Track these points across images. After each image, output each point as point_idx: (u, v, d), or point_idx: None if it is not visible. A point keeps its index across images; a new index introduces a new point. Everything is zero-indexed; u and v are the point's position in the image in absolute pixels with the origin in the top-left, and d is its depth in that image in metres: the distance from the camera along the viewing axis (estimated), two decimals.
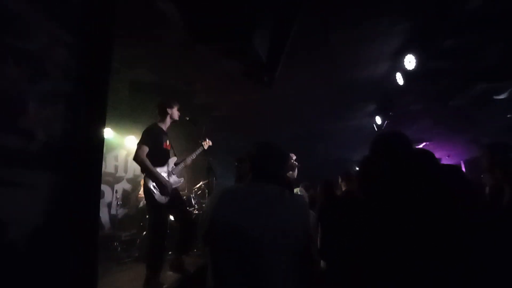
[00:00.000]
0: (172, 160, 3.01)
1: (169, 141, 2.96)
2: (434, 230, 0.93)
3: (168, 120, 2.94)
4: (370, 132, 7.38)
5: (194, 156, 3.25)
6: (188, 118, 3.19)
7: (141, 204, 4.75)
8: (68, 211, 1.12)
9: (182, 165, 3.11)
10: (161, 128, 2.90)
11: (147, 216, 3.47)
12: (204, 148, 3.36)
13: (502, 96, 5.60)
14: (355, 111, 6.55)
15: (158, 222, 2.71)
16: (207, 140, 3.44)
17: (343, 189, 3.37)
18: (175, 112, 2.97)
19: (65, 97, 1.19)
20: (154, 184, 2.69)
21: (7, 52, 1.01)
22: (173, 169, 2.97)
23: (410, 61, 3.50)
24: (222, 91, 4.93)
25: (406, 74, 3.76)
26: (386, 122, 6.30)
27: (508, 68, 4.18)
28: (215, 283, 1.16)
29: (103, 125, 1.34)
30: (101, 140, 1.33)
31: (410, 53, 3.51)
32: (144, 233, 4.09)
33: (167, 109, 2.93)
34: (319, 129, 7.74)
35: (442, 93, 4.66)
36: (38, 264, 1.02)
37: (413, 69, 3.50)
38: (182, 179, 3.14)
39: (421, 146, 9.85)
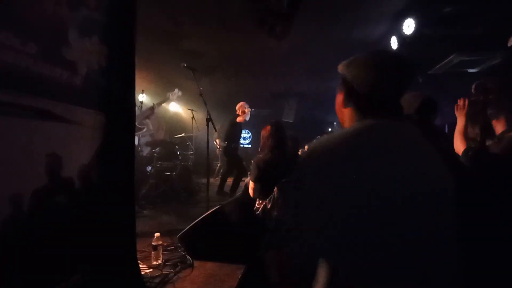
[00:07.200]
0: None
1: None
2: None
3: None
4: None
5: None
6: (185, 65, 3.03)
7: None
8: (110, 147, 1.08)
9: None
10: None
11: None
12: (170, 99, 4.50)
13: (474, 70, 5.95)
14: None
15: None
16: (176, 90, 4.48)
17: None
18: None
19: (99, 27, 1.06)
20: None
21: None
22: None
23: (409, 26, 3.52)
24: (213, 38, 4.63)
25: (401, 38, 3.80)
26: None
27: (490, 39, 4.38)
28: None
29: (133, 60, 1.24)
30: (133, 77, 1.23)
31: (410, 17, 3.52)
32: None
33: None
34: (299, 88, 7.73)
35: (426, 61, 4.82)
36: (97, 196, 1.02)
37: (410, 34, 3.54)
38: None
39: None
